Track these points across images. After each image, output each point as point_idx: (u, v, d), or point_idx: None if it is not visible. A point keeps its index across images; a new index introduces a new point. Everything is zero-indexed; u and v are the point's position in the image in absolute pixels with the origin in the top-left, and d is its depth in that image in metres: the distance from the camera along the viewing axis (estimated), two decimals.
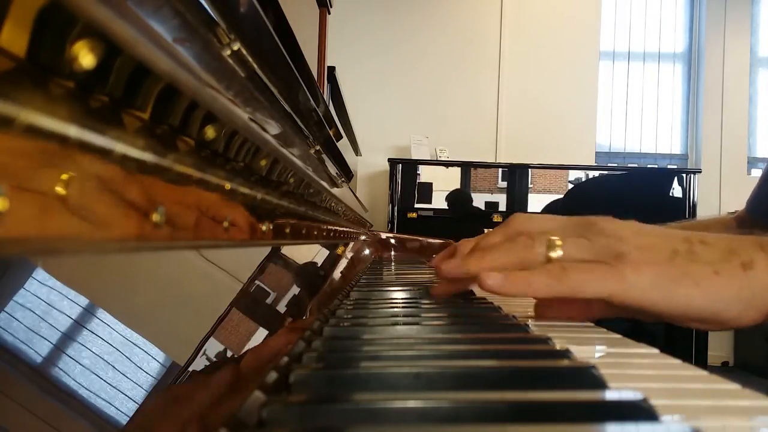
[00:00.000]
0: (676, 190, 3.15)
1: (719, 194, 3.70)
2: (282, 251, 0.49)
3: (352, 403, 0.23)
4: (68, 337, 0.19)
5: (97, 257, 0.20)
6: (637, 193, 3.18)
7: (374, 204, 3.36)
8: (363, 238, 1.50)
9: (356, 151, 2.61)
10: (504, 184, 3.21)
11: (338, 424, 0.22)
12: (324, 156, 0.68)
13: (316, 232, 0.64)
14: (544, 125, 3.61)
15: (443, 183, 3.19)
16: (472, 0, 3.65)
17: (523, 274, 0.44)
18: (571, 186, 3.27)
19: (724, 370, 3.44)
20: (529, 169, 3.20)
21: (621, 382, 0.27)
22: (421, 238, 1.77)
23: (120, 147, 0.18)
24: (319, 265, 0.70)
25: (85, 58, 0.15)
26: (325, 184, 0.64)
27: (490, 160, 3.52)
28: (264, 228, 0.37)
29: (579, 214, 0.48)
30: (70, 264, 0.19)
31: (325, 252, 0.75)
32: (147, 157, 0.20)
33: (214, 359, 0.28)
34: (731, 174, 3.73)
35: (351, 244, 1.13)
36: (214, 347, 0.28)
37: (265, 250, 0.44)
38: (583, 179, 3.30)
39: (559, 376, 0.27)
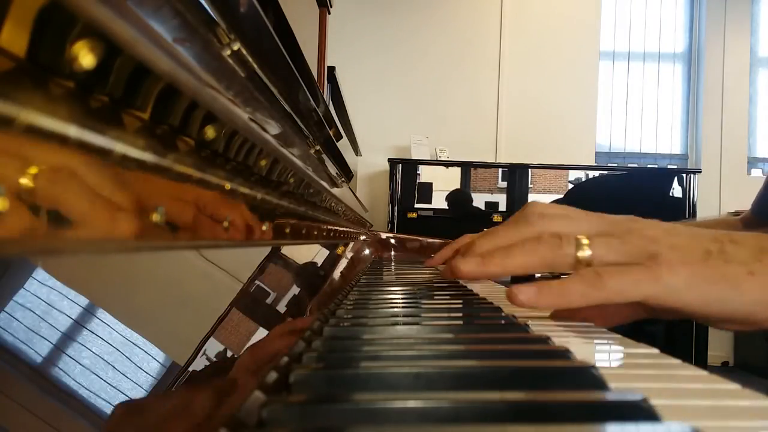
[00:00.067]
0: (676, 190, 3.15)
1: (719, 194, 3.70)
2: (282, 251, 0.49)
3: (352, 403, 0.23)
4: (68, 337, 0.19)
5: (97, 257, 0.20)
6: (637, 193, 3.18)
7: (374, 204, 3.37)
8: (363, 238, 1.50)
9: (356, 151, 2.61)
10: (504, 184, 3.21)
11: (338, 424, 0.22)
12: (324, 156, 0.68)
13: (316, 232, 0.64)
14: (544, 125, 3.61)
15: (443, 183, 3.19)
16: (472, 0, 3.65)
17: (555, 285, 0.42)
18: (571, 186, 3.27)
19: (724, 370, 3.44)
20: (529, 169, 3.20)
21: (621, 382, 0.27)
22: (421, 238, 1.78)
23: (120, 147, 0.18)
24: (319, 265, 0.70)
25: (85, 58, 0.15)
26: (325, 184, 0.64)
27: (490, 160, 3.52)
28: (264, 228, 0.37)
29: None
30: (70, 264, 0.19)
31: (325, 252, 0.75)
32: (147, 157, 0.20)
33: (214, 359, 0.28)
34: (731, 174, 3.73)
35: (351, 244, 1.13)
36: (214, 347, 0.28)
37: (265, 250, 0.44)
38: (583, 179, 3.30)
39: (559, 376, 0.27)
